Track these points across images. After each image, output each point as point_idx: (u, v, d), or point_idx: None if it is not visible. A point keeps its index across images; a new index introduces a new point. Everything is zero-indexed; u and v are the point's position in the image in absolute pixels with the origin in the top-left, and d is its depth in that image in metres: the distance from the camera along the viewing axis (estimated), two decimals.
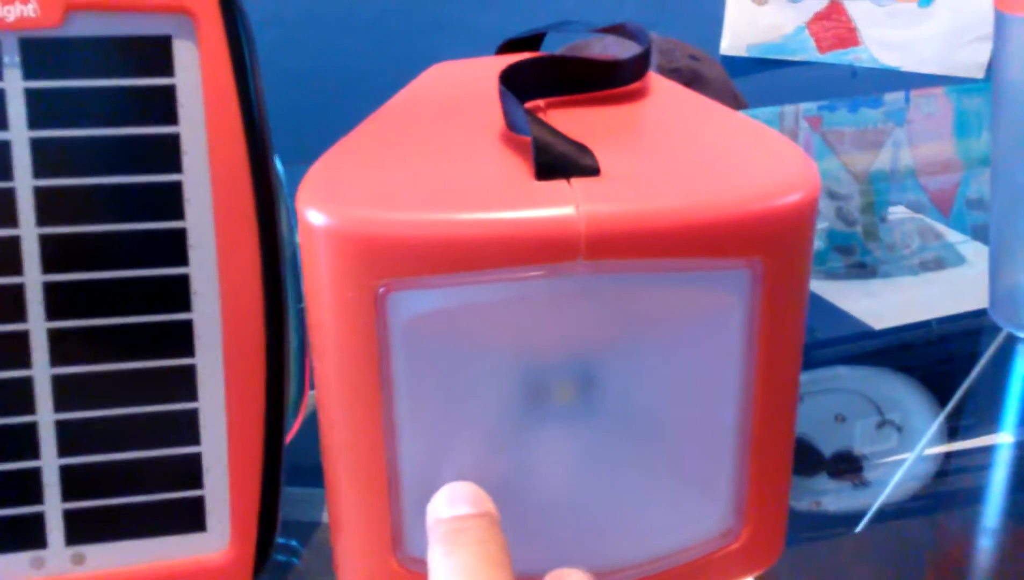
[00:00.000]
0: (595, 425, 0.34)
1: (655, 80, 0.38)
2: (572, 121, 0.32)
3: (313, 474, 0.37)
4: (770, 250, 0.31)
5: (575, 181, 0.30)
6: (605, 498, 0.35)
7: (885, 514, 0.51)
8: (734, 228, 0.30)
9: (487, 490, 0.34)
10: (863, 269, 0.79)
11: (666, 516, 0.35)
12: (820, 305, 0.71)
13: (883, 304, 0.72)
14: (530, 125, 0.31)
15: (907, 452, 0.57)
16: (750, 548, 0.36)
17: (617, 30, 0.39)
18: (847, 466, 0.54)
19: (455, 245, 0.29)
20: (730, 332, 0.32)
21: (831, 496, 0.52)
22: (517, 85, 0.33)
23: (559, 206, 0.29)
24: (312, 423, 0.35)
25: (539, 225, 0.29)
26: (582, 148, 0.31)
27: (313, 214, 0.31)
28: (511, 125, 0.33)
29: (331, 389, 0.33)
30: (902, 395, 0.62)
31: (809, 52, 1.63)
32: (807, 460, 0.55)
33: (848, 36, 1.60)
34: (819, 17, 1.59)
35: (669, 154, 0.33)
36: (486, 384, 0.33)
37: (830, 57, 1.63)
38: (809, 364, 0.54)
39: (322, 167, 0.33)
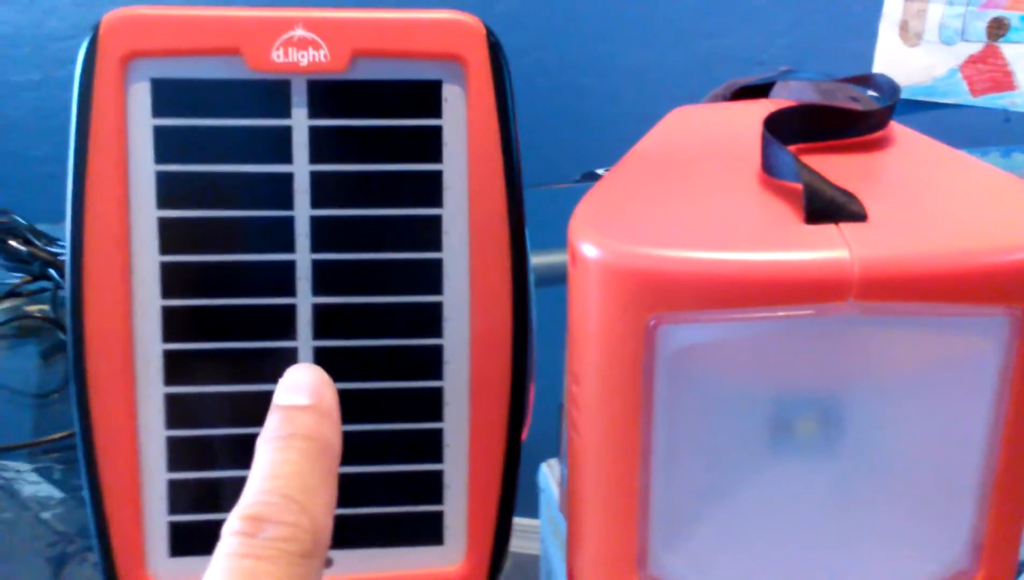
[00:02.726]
0: (836, 462, 0.35)
1: (897, 128, 0.39)
2: (827, 167, 0.34)
3: None
4: None
5: (843, 225, 0.32)
6: (841, 533, 0.36)
7: None
8: (1003, 275, 0.31)
9: (728, 517, 0.36)
10: None
11: (901, 554, 0.36)
12: None
13: None
14: (800, 171, 0.32)
15: None
16: None
17: (865, 80, 0.40)
18: None
19: (730, 283, 0.31)
20: (984, 378, 0.33)
21: None
22: (780, 131, 0.35)
23: (833, 250, 0.31)
24: None
25: (814, 267, 0.31)
26: (849, 194, 0.32)
27: (588, 248, 0.33)
28: (771, 169, 0.35)
29: (589, 412, 0.35)
30: None
31: (961, 95, 1.60)
32: None
33: (1003, 80, 1.56)
34: (973, 60, 1.56)
35: (927, 200, 0.34)
36: (739, 415, 0.34)
37: (983, 101, 1.60)
38: None
39: (590, 204, 0.35)
